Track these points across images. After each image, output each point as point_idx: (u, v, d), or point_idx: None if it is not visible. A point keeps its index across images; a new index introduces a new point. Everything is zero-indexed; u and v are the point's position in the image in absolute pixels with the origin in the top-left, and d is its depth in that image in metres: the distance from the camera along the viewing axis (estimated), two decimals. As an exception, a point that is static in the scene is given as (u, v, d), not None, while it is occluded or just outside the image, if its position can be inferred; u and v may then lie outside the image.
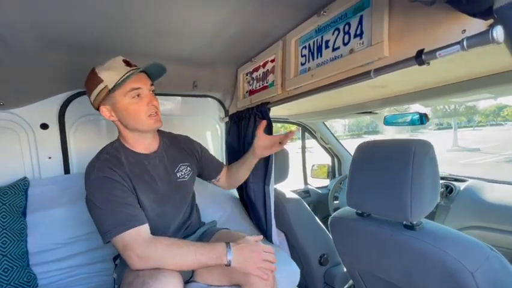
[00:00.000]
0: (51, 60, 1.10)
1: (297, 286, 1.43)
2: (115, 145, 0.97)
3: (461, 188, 1.51)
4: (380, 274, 0.86)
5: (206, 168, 1.23)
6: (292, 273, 1.16)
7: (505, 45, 0.51)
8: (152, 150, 1.02)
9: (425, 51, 0.59)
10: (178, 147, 1.12)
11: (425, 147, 0.73)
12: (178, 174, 1.06)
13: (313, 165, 2.57)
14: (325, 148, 2.37)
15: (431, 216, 1.53)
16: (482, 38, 0.49)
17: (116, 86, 0.86)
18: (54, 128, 1.36)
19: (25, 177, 1.27)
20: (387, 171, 0.75)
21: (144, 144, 1.00)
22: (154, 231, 0.90)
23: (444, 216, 1.47)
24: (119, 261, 1.01)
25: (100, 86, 0.87)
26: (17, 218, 1.15)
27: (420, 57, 0.60)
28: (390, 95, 1.20)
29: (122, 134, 0.97)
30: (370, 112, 1.70)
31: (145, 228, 0.84)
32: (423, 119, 1.48)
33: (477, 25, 0.53)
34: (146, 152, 1.00)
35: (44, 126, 1.34)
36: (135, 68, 0.90)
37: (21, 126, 1.30)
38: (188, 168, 1.11)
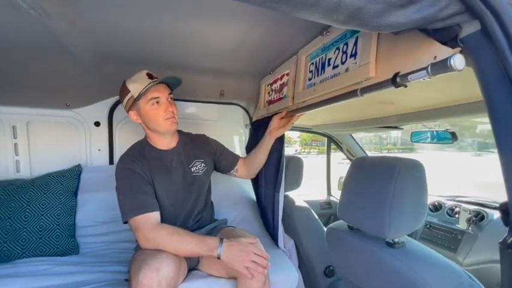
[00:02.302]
0: (104, 70, 1.36)
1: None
2: (142, 142, 1.17)
3: (495, 217, 1.36)
4: (365, 289, 0.87)
5: (222, 161, 1.35)
6: (290, 277, 1.20)
7: (474, 72, 0.52)
8: (171, 147, 1.19)
9: (400, 74, 0.62)
10: (195, 145, 1.28)
11: (412, 166, 0.73)
12: (193, 169, 1.21)
13: (340, 177, 2.52)
14: (351, 160, 2.32)
15: (456, 243, 1.41)
16: (443, 65, 0.51)
17: (140, 96, 1.05)
18: (104, 126, 1.65)
19: (79, 165, 1.57)
20: (372, 188, 0.77)
21: (165, 142, 1.17)
22: (166, 218, 1.05)
23: (471, 245, 1.34)
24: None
25: (128, 96, 1.07)
26: (70, 197, 1.43)
27: (395, 80, 0.63)
28: (405, 111, 1.18)
29: (147, 134, 1.17)
30: (395, 127, 1.65)
31: (154, 214, 1.00)
32: (451, 137, 1.39)
33: (446, 52, 0.54)
34: (166, 148, 1.17)
35: (97, 123, 1.64)
36: (155, 80, 1.08)
37: (80, 123, 1.61)
38: (203, 164, 1.25)
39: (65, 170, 1.51)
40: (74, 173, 1.51)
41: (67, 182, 1.45)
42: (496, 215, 1.37)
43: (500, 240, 0.49)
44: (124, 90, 1.09)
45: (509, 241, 0.46)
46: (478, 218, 1.40)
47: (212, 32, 1.02)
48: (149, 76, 1.08)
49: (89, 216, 1.47)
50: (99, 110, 1.63)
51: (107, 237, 1.44)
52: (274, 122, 1.31)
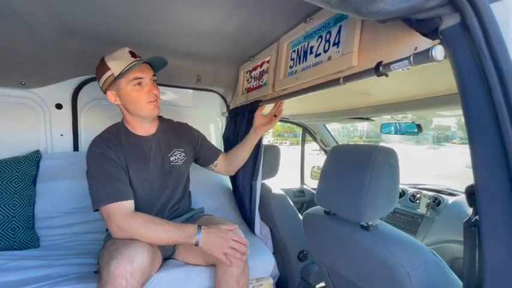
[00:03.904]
0: (69, 47, 1.22)
1: (277, 278, 1.50)
2: (118, 126, 1.09)
3: (449, 202, 1.50)
4: (340, 270, 0.92)
5: (203, 154, 1.30)
6: (267, 262, 1.22)
7: (450, 64, 0.55)
8: (151, 133, 1.12)
9: (383, 63, 0.64)
10: (176, 133, 1.21)
11: (387, 154, 0.77)
12: (172, 158, 1.15)
13: (313, 167, 2.59)
14: (325, 150, 2.40)
15: (416, 226, 1.55)
16: (425, 56, 0.54)
17: (121, 75, 0.97)
18: (67, 109, 1.51)
19: (38, 150, 1.43)
20: (349, 174, 0.80)
21: (143, 127, 1.10)
22: (140, 208, 1.00)
23: (428, 228, 1.48)
24: (109, 231, 1.13)
25: (107, 73, 0.98)
26: (28, 186, 1.30)
27: (378, 69, 0.65)
28: (379, 103, 1.23)
29: (125, 117, 1.08)
30: (367, 118, 1.72)
31: (129, 203, 0.94)
32: (416, 129, 1.49)
33: (427, 44, 0.57)
34: (144, 135, 1.10)
35: (59, 106, 1.49)
36: (139, 59, 1.00)
37: (38, 104, 1.45)
38: (183, 153, 1.20)
39: (20, 156, 1.36)
40: (32, 160, 1.37)
41: (24, 170, 1.31)
42: (451, 200, 1.51)
43: (465, 220, 0.53)
44: (102, 68, 0.99)
45: (473, 220, 0.51)
46: (436, 203, 1.54)
47: (191, 12, 0.96)
48: (132, 54, 1.00)
49: (50, 207, 1.35)
50: (61, 90, 1.48)
51: (71, 229, 1.34)
52: (259, 119, 1.28)
